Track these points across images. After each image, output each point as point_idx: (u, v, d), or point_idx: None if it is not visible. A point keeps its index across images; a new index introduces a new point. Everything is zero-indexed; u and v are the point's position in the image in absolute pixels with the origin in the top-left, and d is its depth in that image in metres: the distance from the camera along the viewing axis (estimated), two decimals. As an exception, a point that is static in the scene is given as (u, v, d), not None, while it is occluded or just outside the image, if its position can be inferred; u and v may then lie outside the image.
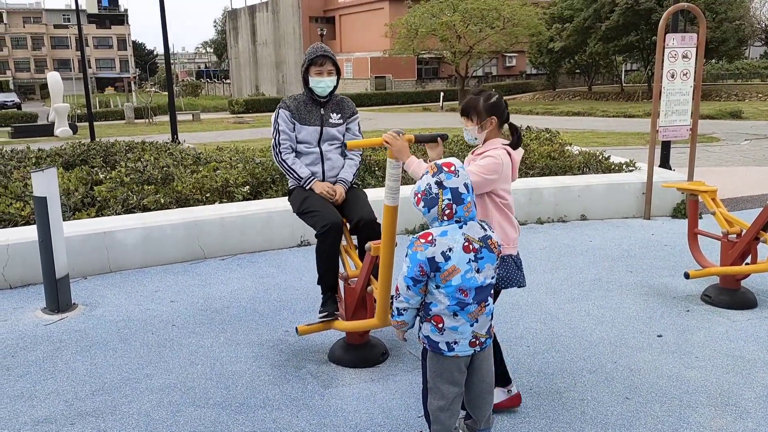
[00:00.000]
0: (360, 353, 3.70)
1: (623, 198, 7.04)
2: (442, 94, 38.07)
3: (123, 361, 3.75)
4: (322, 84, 3.77)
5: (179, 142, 12.44)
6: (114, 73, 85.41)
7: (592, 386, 3.39)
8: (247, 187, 6.50)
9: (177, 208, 6.13)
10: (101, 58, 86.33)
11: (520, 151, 3.11)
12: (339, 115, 3.91)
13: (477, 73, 47.66)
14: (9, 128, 25.89)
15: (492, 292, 2.63)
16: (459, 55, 36.32)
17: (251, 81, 61.94)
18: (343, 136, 3.95)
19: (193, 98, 49.05)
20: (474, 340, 2.55)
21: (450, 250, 2.46)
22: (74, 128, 25.79)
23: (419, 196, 2.54)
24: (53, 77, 25.54)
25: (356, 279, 3.65)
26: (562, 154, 7.94)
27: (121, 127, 28.10)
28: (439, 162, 2.59)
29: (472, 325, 2.52)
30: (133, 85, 52.12)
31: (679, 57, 6.69)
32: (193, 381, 3.51)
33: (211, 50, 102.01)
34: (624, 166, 7.70)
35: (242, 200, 6.40)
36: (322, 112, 3.87)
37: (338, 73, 3.84)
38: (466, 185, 2.53)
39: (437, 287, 2.50)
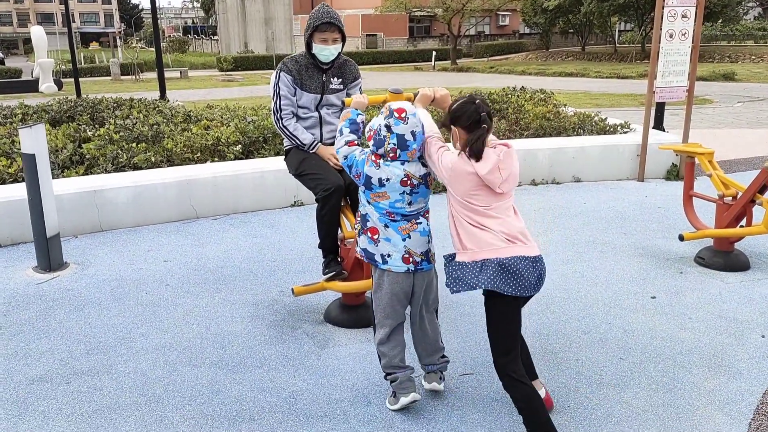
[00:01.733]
0: (356, 314, 3.70)
1: (618, 160, 7.02)
2: (434, 53, 37.54)
3: (117, 321, 3.73)
4: (326, 52, 3.61)
5: (168, 100, 12.24)
6: (98, 27, 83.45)
7: (586, 347, 3.42)
8: (239, 146, 6.41)
9: (168, 166, 6.04)
10: (85, 12, 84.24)
11: (492, 159, 2.51)
12: (340, 80, 3.77)
13: (470, 32, 46.96)
14: (-8, 84, 25.31)
15: (426, 214, 2.77)
16: (451, 12, 35.73)
17: (240, 38, 60.67)
18: (341, 102, 3.85)
19: (180, 55, 48.12)
20: (407, 255, 2.69)
21: (387, 180, 2.67)
22: (59, 84, 25.26)
23: (370, 134, 2.73)
24: (37, 32, 24.87)
25: (353, 240, 3.62)
26: (557, 115, 7.87)
27: (107, 84, 27.58)
28: (393, 106, 2.72)
29: (404, 240, 2.69)
30: (118, 40, 50.89)
31: (678, 16, 6.58)
32: (189, 341, 3.50)
33: (198, 5, 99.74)
34: (619, 128, 7.65)
35: (234, 159, 6.32)
36: (324, 78, 3.72)
37: (344, 39, 3.66)
38: (413, 133, 2.65)
39: (368, 202, 2.73)
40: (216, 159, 6.25)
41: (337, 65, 3.74)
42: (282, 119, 3.72)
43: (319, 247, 3.72)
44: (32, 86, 24.55)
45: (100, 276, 4.40)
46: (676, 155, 7.03)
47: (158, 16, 14.74)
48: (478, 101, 2.55)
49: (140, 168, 5.95)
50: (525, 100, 9.15)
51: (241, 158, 6.39)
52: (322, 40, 3.57)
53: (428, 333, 2.90)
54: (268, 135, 6.68)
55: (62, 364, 3.26)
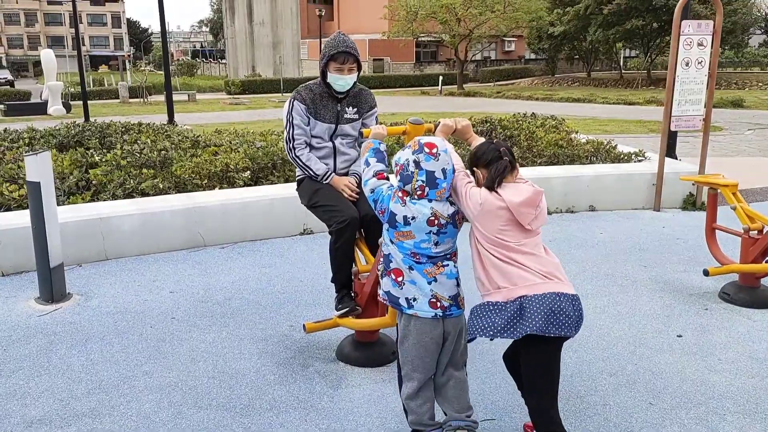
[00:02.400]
0: (370, 351, 3.54)
1: (633, 189, 6.87)
2: (440, 78, 37.70)
3: (120, 357, 3.58)
4: (341, 81, 3.47)
5: (176, 124, 12.21)
6: (108, 51, 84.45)
7: (613, 390, 3.24)
8: (248, 172, 6.30)
9: (176, 193, 5.93)
10: (95, 36, 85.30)
11: (528, 191, 2.46)
12: (355, 110, 3.63)
13: (476, 57, 47.24)
14: (1, 106, 25.48)
15: (454, 255, 2.60)
16: (458, 38, 35.95)
17: (248, 61, 61.29)
18: (358, 131, 3.71)
19: (188, 78, 48.54)
20: (434, 300, 2.51)
21: (413, 218, 2.50)
22: (68, 107, 25.43)
23: (397, 168, 2.56)
24: (47, 55, 25.12)
25: (367, 274, 3.48)
26: (569, 142, 7.75)
27: (115, 107, 27.73)
28: (423, 140, 2.55)
29: (430, 283, 2.51)
30: (127, 63, 51.46)
31: (694, 44, 6.49)
32: (195, 380, 3.34)
33: (207, 29, 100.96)
34: (633, 156, 7.52)
35: (243, 186, 6.21)
36: (339, 108, 3.58)
37: (359, 68, 3.53)
38: (444, 171, 2.49)
39: (391, 241, 2.57)
40: (225, 185, 6.14)
41: (353, 94, 3.62)
42: (295, 149, 3.59)
43: (332, 281, 3.57)
44: (41, 109, 24.72)
45: (103, 308, 4.26)
46: (693, 185, 6.89)
47: (167, 39, 14.81)
48: (495, 140, 2.61)
49: (147, 194, 5.84)
50: (536, 127, 9.05)
51: (250, 185, 6.28)
52: (337, 69, 3.44)
53: (455, 391, 2.65)
54: (278, 161, 6.57)
55: (62, 404, 3.10)
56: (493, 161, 2.49)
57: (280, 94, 36.09)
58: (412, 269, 2.55)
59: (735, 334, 3.91)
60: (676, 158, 7.88)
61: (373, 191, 2.67)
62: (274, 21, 56.86)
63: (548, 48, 43.34)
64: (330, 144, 3.64)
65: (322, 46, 3.48)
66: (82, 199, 5.70)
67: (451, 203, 2.58)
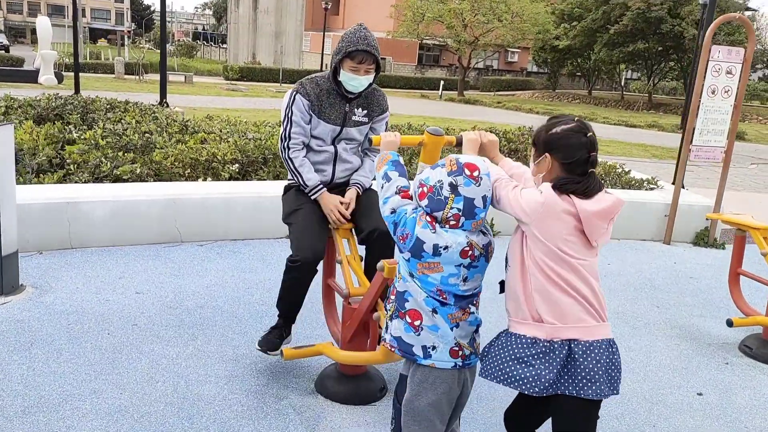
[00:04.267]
0: (354, 386, 3.09)
1: (644, 218, 6.48)
2: (442, 83, 37.31)
3: (68, 369, 3.11)
4: (356, 82, 3.02)
5: (167, 106, 11.70)
6: (108, 24, 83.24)
7: (630, 458, 2.83)
8: (236, 165, 5.83)
9: (154, 181, 5.45)
10: (96, 8, 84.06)
11: (607, 200, 2.03)
12: (365, 112, 3.19)
13: (478, 65, 46.90)
14: (-9, 70, 24.75)
15: (477, 299, 2.18)
16: (464, 44, 35.59)
17: (248, 48, 60.55)
18: (365, 136, 3.26)
19: (187, 59, 47.71)
20: (456, 348, 2.13)
21: (445, 248, 2.06)
22: (60, 77, 24.69)
23: (425, 190, 2.09)
24: (42, 22, 24.36)
25: (359, 299, 3.04)
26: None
27: (109, 81, 27.07)
28: (462, 159, 2.05)
29: (452, 329, 2.12)
30: (126, 39, 50.51)
31: (722, 72, 6.11)
32: (150, 405, 2.88)
33: (210, 12, 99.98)
34: (645, 183, 7.13)
35: (229, 179, 5.74)
36: (347, 108, 3.14)
37: (378, 70, 3.06)
38: (484, 198, 2.07)
39: (411, 275, 2.14)
40: (209, 177, 5.67)
41: (364, 94, 3.16)
42: (289, 149, 3.13)
43: (277, 306, 3.21)
44: (32, 77, 23.96)
45: (57, 305, 3.78)
46: (707, 220, 6.51)
47: (169, 19, 14.26)
48: (590, 134, 2.04)
49: (123, 180, 5.35)
50: (543, 143, 8.65)
51: (237, 179, 5.82)
52: (352, 68, 2.98)
53: None
54: (269, 155, 6.11)
55: (-12, 425, 2.63)
56: (576, 166, 2.01)
57: (279, 84, 35.54)
58: (436, 312, 2.11)
59: (760, 396, 3.50)
60: (683, 187, 7.52)
61: (394, 211, 2.19)
62: (279, 10, 56.17)
63: (551, 62, 43.10)
64: (331, 148, 3.19)
65: (341, 37, 3.02)
66: (51, 179, 5.21)
67: (484, 233, 2.16)
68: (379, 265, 2.66)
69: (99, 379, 3.04)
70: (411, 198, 2.21)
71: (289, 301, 3.21)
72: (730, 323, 3.92)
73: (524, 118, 24.20)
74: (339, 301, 3.43)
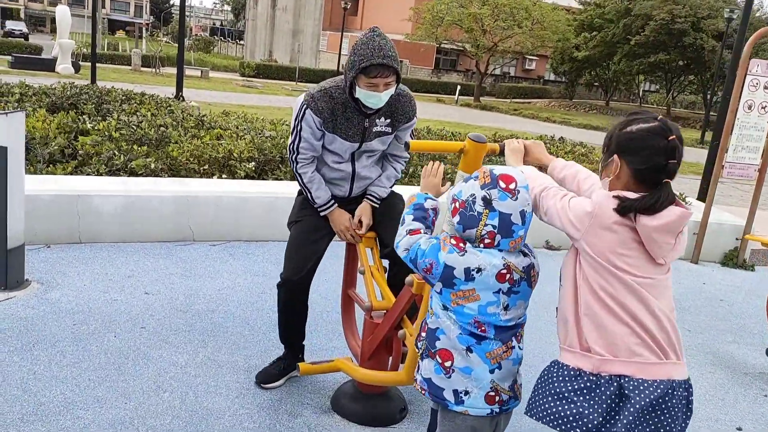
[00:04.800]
0: (372, 406, 2.89)
1: (671, 235, 6.24)
2: (458, 87, 37.09)
3: (71, 374, 2.93)
4: (375, 100, 2.64)
5: (183, 99, 11.56)
6: (127, 16, 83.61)
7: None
8: (253, 163, 5.66)
9: (169, 176, 5.29)
10: (116, 0, 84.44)
11: (671, 213, 1.73)
12: (388, 121, 2.82)
13: (495, 71, 46.64)
14: (9, 57, 24.77)
15: (521, 332, 1.91)
16: (482, 50, 35.36)
17: (265, 45, 60.55)
18: (389, 146, 2.95)
19: (204, 54, 47.77)
20: (493, 393, 1.88)
21: (478, 271, 1.83)
22: (77, 67, 24.74)
23: (456, 206, 1.88)
24: (62, 11, 24.43)
25: (382, 313, 2.84)
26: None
27: (125, 73, 27.05)
28: (497, 171, 1.86)
29: (492, 372, 1.88)
30: (144, 31, 50.64)
31: (760, 87, 5.87)
32: (156, 417, 2.69)
33: (229, 8, 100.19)
34: (672, 199, 6.89)
35: (244, 177, 5.57)
36: (366, 123, 2.78)
37: (398, 80, 2.67)
38: (522, 213, 1.84)
39: (445, 308, 1.90)
40: (224, 175, 5.50)
41: (386, 102, 2.74)
42: (297, 163, 2.87)
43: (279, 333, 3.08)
44: (49, 65, 24.04)
45: (63, 303, 3.61)
46: (737, 240, 6.27)
47: (188, 14, 14.17)
48: (672, 138, 1.73)
49: (137, 174, 5.19)
50: (565, 153, 8.45)
51: (253, 177, 5.64)
52: (369, 85, 2.59)
53: None
54: (287, 155, 5.92)
55: (-17, 434, 2.46)
56: (651, 174, 1.73)
57: (295, 83, 35.45)
58: (471, 351, 1.88)
59: (804, 433, 3.28)
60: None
61: (407, 250, 1.99)
62: (297, 9, 56.14)
63: (569, 71, 42.76)
64: (349, 166, 2.90)
65: (352, 48, 2.62)
66: (63, 169, 5.05)
67: (525, 254, 1.93)
68: (408, 279, 2.47)
69: (103, 386, 2.86)
70: (421, 231, 2.04)
71: (286, 327, 3.05)
72: (770, 353, 3.69)
73: (542, 126, 23.99)
74: (359, 312, 3.24)
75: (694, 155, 19.47)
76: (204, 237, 4.94)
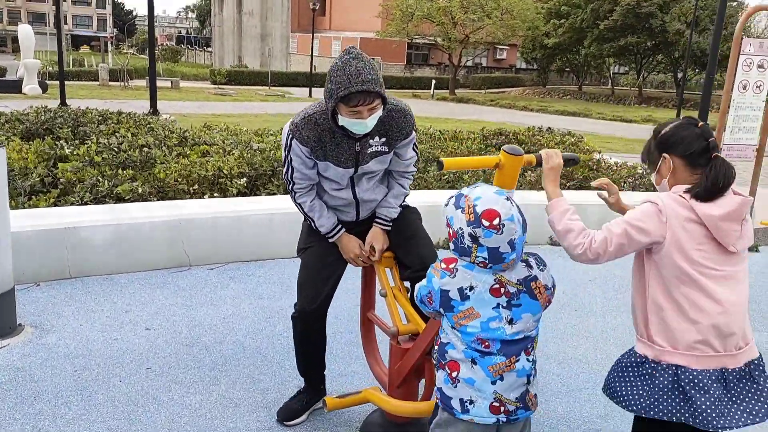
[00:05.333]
0: (404, 435, 2.73)
1: (673, 222, 6.16)
2: (433, 82, 37.01)
3: (78, 427, 2.72)
4: (359, 126, 2.44)
5: (159, 114, 11.27)
6: (90, 31, 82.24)
7: None
8: (244, 179, 5.45)
9: (158, 200, 5.06)
10: (78, 15, 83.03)
11: (731, 202, 1.87)
12: (383, 140, 2.60)
13: (467, 63, 46.65)
14: (-28, 81, 24.13)
15: (532, 346, 1.91)
16: (454, 42, 35.31)
17: (234, 51, 59.97)
18: (390, 163, 2.74)
19: (172, 64, 47.11)
20: (497, 403, 1.93)
21: (471, 288, 1.91)
22: (44, 86, 24.13)
23: (450, 232, 1.94)
24: (24, 30, 23.81)
25: (408, 337, 2.68)
26: (598, 164, 7.03)
27: (94, 89, 26.49)
28: (479, 207, 1.84)
29: (494, 383, 1.93)
30: (110, 45, 49.77)
31: (754, 66, 5.80)
32: (177, 470, 2.50)
33: (194, 16, 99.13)
34: (670, 185, 6.81)
35: (237, 195, 5.36)
36: (358, 147, 2.58)
37: (385, 102, 2.45)
38: (511, 242, 1.85)
39: (452, 327, 1.97)
40: (216, 194, 5.28)
41: (380, 120, 2.52)
42: (294, 193, 2.70)
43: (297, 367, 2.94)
44: (15, 86, 23.39)
45: (61, 348, 3.39)
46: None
47: (154, 22, 13.82)
48: (702, 124, 1.98)
49: (124, 200, 4.96)
50: (555, 143, 8.34)
51: (246, 194, 5.43)
52: (352, 113, 2.39)
53: None
54: (278, 167, 5.73)
55: None
56: (699, 157, 1.93)
57: (267, 88, 35.09)
58: (475, 363, 1.92)
59: None
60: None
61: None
62: (264, 12, 55.67)
63: (541, 58, 42.90)
64: (349, 192, 2.70)
65: (329, 74, 2.39)
66: (45, 201, 4.80)
67: (530, 266, 1.93)
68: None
69: (115, 440, 2.65)
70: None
71: (305, 360, 2.88)
72: (799, 342, 3.59)
73: (521, 116, 23.99)
74: (379, 335, 3.07)
75: (673, 135, 19.63)
76: (201, 261, 4.73)
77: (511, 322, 1.91)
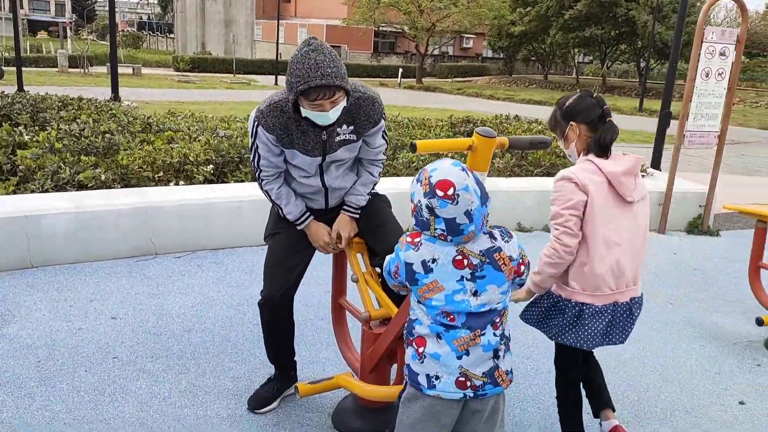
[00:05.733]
0: (377, 420, 2.72)
1: (637, 208, 6.26)
2: (400, 70, 36.95)
3: (43, 419, 2.65)
4: (323, 118, 2.41)
5: (121, 100, 10.99)
6: (48, 16, 79.83)
7: (692, 487, 2.55)
8: (211, 165, 5.36)
9: (122, 187, 4.95)
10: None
11: (628, 160, 2.34)
12: (351, 128, 2.57)
13: (434, 52, 46.67)
14: (-77, 67, 23.19)
15: (499, 320, 1.93)
16: (421, 31, 35.27)
17: (197, 38, 58.81)
18: (359, 151, 2.70)
19: (133, 50, 46.05)
20: (462, 378, 1.93)
21: (433, 261, 1.92)
22: (0, 72, 23.37)
23: (412, 208, 1.97)
24: (-22, 14, 22.98)
25: (379, 322, 2.67)
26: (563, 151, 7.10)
27: (52, 76, 25.75)
28: (434, 176, 1.87)
29: (459, 358, 1.93)
30: (69, 31, 48.33)
31: (716, 54, 5.91)
32: (146, 460, 2.46)
33: (155, 1, 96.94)
34: (634, 171, 6.92)
35: (204, 182, 5.27)
36: (325, 136, 2.54)
37: (348, 94, 2.42)
38: (468, 213, 1.86)
39: (418, 302, 1.98)
40: (182, 181, 5.18)
41: (347, 108, 2.50)
42: (262, 180, 2.67)
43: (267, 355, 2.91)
44: (-31, 73, 22.59)
45: (24, 339, 3.29)
46: (700, 206, 6.35)
47: (114, 7, 13.43)
48: (596, 95, 2.40)
49: (86, 187, 4.83)
50: (523, 131, 8.40)
51: (212, 181, 5.35)
52: (313, 106, 2.36)
53: None
54: (245, 154, 5.65)
55: (-49, 503, 2.18)
56: (598, 122, 2.35)
57: (232, 75, 34.58)
58: (441, 337, 1.92)
59: (802, 401, 3.28)
60: (660, 170, 7.35)
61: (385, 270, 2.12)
62: (228, -2, 54.69)
63: (507, 47, 43.13)
64: (317, 180, 2.67)
65: (289, 66, 2.34)
66: (4, 189, 4.65)
67: (493, 237, 1.94)
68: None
69: (82, 430, 2.59)
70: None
71: (273, 348, 2.86)
72: (760, 322, 3.71)
73: (488, 104, 24.12)
74: (351, 321, 3.07)
75: (636, 123, 19.96)
76: (167, 249, 4.65)
77: (475, 294, 1.91)
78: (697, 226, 6.35)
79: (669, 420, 3.01)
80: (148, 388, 2.94)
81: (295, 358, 2.97)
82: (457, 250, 1.90)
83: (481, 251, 1.91)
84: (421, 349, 1.95)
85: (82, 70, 28.37)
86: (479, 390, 1.94)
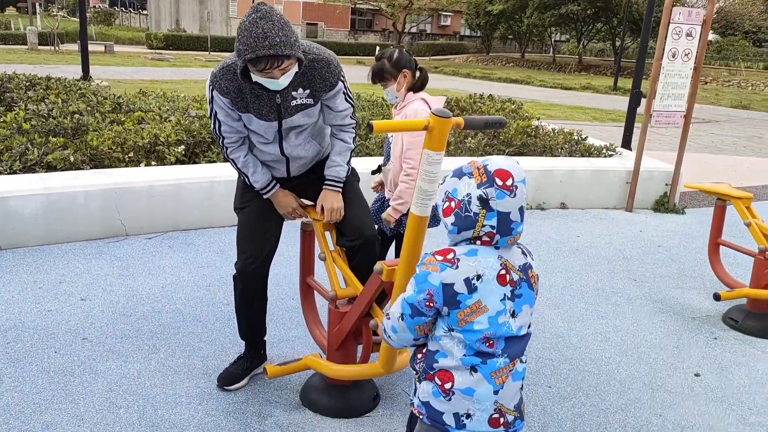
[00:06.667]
0: (344, 398, 2.79)
1: (606, 186, 6.39)
2: (378, 48, 36.64)
3: (12, 400, 2.68)
4: (274, 85, 2.39)
5: (92, 79, 10.82)
6: (16, -9, 77.54)
7: (645, 455, 2.66)
8: (182, 146, 5.34)
9: (91, 168, 4.91)
10: (1, -27, 78.09)
11: (440, 98, 3.23)
12: (307, 92, 2.55)
13: (412, 29, 46.38)
14: None
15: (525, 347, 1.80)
16: (398, 8, 35.01)
17: (171, 15, 57.67)
18: (319, 115, 2.69)
19: (105, 27, 45.11)
20: (497, 415, 1.73)
21: (478, 278, 1.68)
22: (-34, 50, 22.76)
23: (452, 205, 1.73)
24: (-59, -11, 22.30)
25: (346, 301, 2.73)
26: (536, 130, 7.18)
27: (22, 54, 25.15)
28: (490, 166, 1.70)
29: (496, 392, 1.72)
30: (38, 7, 47.12)
31: (683, 35, 6.00)
32: (115, 438, 2.50)
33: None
34: (604, 150, 7.04)
35: (175, 163, 5.25)
36: (279, 99, 2.52)
37: (301, 62, 2.39)
38: (521, 210, 1.71)
39: (450, 330, 1.72)
40: (153, 162, 5.16)
41: (302, 71, 2.47)
42: (226, 148, 2.68)
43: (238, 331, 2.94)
44: (-67, 50, 21.99)
45: (-8, 321, 3.30)
46: (666, 185, 6.49)
47: (85, -17, 13.12)
48: (404, 49, 3.25)
49: (55, 168, 4.79)
50: (496, 110, 8.46)
51: (184, 162, 5.33)
52: (263, 74, 2.34)
53: None
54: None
55: None
56: (416, 69, 3.21)
57: (207, 53, 34.07)
58: (476, 371, 1.70)
59: (756, 373, 3.42)
60: (630, 150, 7.47)
61: (400, 316, 1.78)
62: (203, -26, 53.62)
63: (485, 26, 43.02)
64: (276, 147, 2.67)
65: (237, 32, 2.30)
66: (-30, 170, 4.60)
67: (524, 253, 1.78)
68: (376, 267, 2.35)
69: (51, 410, 2.63)
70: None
71: (246, 322, 2.89)
72: (717, 297, 3.82)
73: (464, 83, 24.13)
74: (320, 300, 3.12)
75: (609, 102, 20.13)
76: (138, 231, 4.65)
77: (513, 315, 1.73)
78: (663, 204, 6.49)
79: (627, 392, 3.12)
80: (117, 368, 2.97)
81: (266, 337, 3.02)
82: (501, 264, 1.71)
83: (519, 266, 1.75)
84: (447, 385, 1.72)
85: (52, 48, 27.73)
86: (510, 427, 1.76)
